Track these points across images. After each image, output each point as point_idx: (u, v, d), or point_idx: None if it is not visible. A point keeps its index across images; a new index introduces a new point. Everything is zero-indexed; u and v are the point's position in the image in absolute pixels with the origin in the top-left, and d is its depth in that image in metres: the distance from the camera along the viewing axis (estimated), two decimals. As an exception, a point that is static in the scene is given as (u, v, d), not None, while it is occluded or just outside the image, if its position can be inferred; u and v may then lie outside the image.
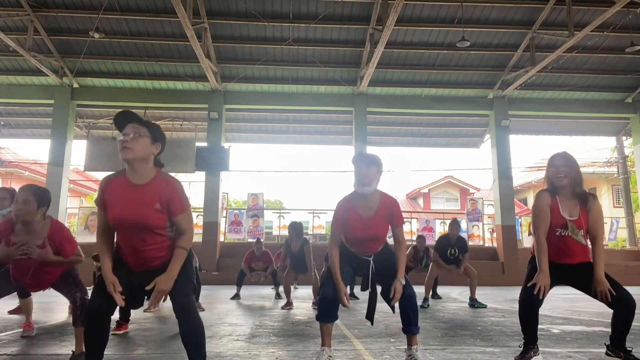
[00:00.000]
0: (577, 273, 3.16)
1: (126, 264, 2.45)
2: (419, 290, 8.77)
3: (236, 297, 8.39)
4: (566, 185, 3.18)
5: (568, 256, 3.17)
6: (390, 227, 3.22)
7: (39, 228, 3.21)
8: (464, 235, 12.56)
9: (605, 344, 3.22)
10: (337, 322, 5.23)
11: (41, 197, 3.16)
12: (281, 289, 8.94)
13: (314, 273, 6.93)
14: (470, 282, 7.23)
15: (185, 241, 2.42)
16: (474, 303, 7.00)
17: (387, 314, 5.52)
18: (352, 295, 8.47)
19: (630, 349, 3.07)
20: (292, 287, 11.67)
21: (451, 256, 7.34)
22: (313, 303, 6.82)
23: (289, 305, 6.76)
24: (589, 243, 3.18)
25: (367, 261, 3.20)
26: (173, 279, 2.33)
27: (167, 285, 2.30)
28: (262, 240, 9.75)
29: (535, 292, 3.01)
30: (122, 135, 2.35)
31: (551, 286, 3.09)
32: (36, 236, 3.17)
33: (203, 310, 6.35)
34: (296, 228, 7.03)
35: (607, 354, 3.16)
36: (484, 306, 6.93)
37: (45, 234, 3.20)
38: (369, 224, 3.12)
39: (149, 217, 2.33)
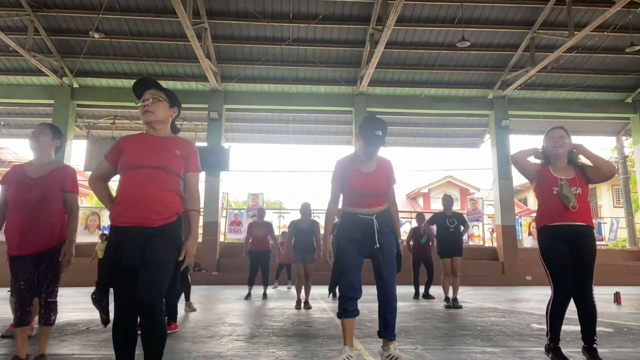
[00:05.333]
0: (581, 239, 3.17)
1: (121, 230, 2.33)
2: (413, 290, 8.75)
3: (248, 296, 8.38)
4: (562, 154, 3.30)
5: (569, 213, 3.16)
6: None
7: (50, 162, 3.33)
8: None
9: (583, 346, 3.20)
10: (337, 321, 5.23)
11: (55, 130, 3.40)
12: (270, 290, 8.95)
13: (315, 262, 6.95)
14: (453, 281, 7.06)
15: (196, 204, 2.54)
16: (454, 304, 6.83)
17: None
18: None
19: (596, 345, 3.09)
20: (287, 287, 11.74)
21: (451, 225, 7.08)
22: (304, 303, 6.78)
23: (299, 304, 6.75)
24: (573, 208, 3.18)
25: (370, 221, 3.17)
26: (197, 240, 2.48)
27: (194, 248, 2.45)
28: (264, 210, 9.84)
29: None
30: (141, 101, 2.51)
31: (564, 258, 3.16)
32: (45, 169, 3.27)
33: (194, 310, 6.29)
34: (306, 207, 7.17)
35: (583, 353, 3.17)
36: (460, 307, 6.80)
37: (53, 167, 3.30)
38: (369, 178, 3.24)
39: (171, 159, 2.44)
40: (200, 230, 14.04)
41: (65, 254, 3.17)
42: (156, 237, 2.31)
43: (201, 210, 14.49)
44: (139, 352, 2.22)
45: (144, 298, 2.26)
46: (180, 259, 2.37)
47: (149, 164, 2.39)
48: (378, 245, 3.12)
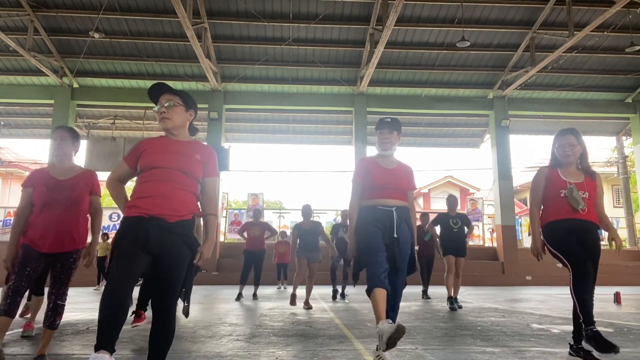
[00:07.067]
0: (587, 233, 3.19)
1: (137, 219, 2.29)
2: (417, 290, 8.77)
3: (239, 297, 8.36)
4: (572, 161, 3.31)
5: (577, 214, 3.18)
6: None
7: (72, 165, 3.36)
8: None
9: (569, 343, 3.20)
10: (337, 321, 5.24)
11: (74, 134, 3.42)
12: (260, 290, 8.92)
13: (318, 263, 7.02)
14: (454, 281, 7.01)
15: (214, 208, 2.56)
16: (453, 303, 6.79)
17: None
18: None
19: (590, 349, 3.03)
20: (282, 287, 11.73)
21: (454, 225, 7.05)
22: (305, 303, 6.78)
23: (294, 300, 6.76)
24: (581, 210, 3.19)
25: (389, 213, 3.19)
26: (212, 245, 2.47)
27: (210, 252, 2.45)
28: (261, 210, 9.80)
29: (535, 255, 3.30)
30: (157, 106, 2.52)
31: (575, 243, 3.14)
32: (70, 173, 3.31)
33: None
34: (307, 208, 7.32)
35: (570, 354, 3.14)
36: (460, 307, 6.76)
37: (78, 171, 3.33)
38: (390, 174, 3.33)
39: (191, 164, 2.45)
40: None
41: (90, 254, 3.27)
42: (171, 233, 2.31)
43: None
44: (140, 350, 2.22)
45: (162, 298, 2.28)
46: (195, 261, 2.38)
47: (170, 166, 2.40)
48: (396, 235, 3.14)
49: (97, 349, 2.06)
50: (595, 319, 3.03)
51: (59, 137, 3.29)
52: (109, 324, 2.14)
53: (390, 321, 2.98)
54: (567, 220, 3.18)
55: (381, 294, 3.03)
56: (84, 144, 14.86)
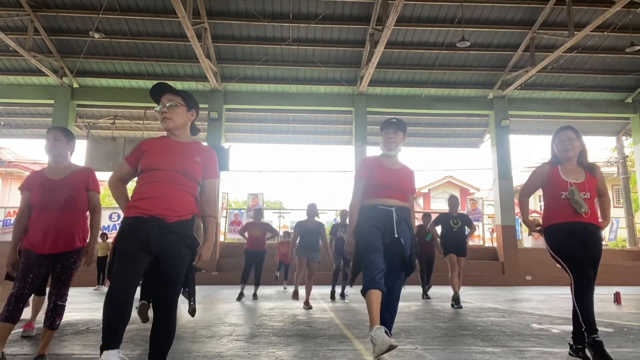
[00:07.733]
0: (588, 234, 3.19)
1: (137, 219, 2.30)
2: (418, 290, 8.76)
3: (241, 296, 8.35)
4: (572, 157, 3.29)
5: (579, 217, 3.17)
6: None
7: (68, 165, 3.34)
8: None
9: (569, 343, 3.20)
10: (337, 321, 5.24)
11: (68, 134, 3.39)
12: (260, 290, 8.90)
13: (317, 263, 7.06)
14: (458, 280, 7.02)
15: (214, 209, 2.57)
16: (454, 302, 6.79)
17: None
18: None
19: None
20: (283, 287, 11.74)
21: (455, 225, 7.08)
22: (305, 303, 6.78)
23: (297, 295, 6.80)
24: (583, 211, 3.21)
25: (389, 212, 3.20)
26: (212, 246, 2.48)
27: (209, 253, 2.46)
28: (262, 211, 9.75)
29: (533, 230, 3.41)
30: (158, 106, 2.52)
31: (576, 246, 3.15)
32: (66, 172, 3.28)
33: None
34: (312, 207, 7.38)
35: (570, 354, 3.14)
36: (461, 307, 6.74)
37: (73, 169, 3.31)
38: (394, 174, 3.33)
39: (191, 165, 2.46)
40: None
41: (88, 252, 3.24)
42: (171, 233, 2.32)
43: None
44: (139, 351, 2.22)
45: (163, 297, 2.30)
46: (195, 263, 2.40)
47: (169, 167, 2.41)
48: (397, 235, 3.15)
49: (104, 349, 2.10)
50: (596, 320, 3.02)
51: (53, 138, 3.29)
52: (114, 325, 2.16)
53: (384, 329, 2.98)
54: (569, 223, 3.18)
55: (376, 295, 3.02)
56: (84, 144, 14.88)
